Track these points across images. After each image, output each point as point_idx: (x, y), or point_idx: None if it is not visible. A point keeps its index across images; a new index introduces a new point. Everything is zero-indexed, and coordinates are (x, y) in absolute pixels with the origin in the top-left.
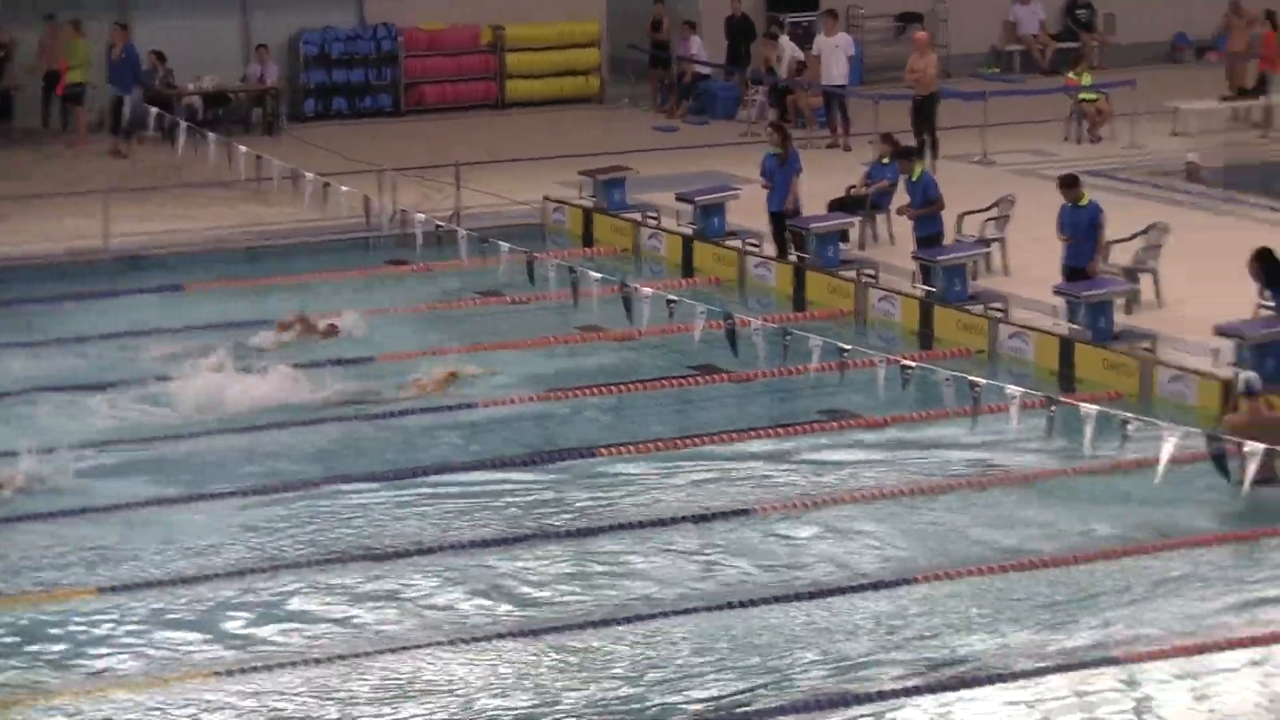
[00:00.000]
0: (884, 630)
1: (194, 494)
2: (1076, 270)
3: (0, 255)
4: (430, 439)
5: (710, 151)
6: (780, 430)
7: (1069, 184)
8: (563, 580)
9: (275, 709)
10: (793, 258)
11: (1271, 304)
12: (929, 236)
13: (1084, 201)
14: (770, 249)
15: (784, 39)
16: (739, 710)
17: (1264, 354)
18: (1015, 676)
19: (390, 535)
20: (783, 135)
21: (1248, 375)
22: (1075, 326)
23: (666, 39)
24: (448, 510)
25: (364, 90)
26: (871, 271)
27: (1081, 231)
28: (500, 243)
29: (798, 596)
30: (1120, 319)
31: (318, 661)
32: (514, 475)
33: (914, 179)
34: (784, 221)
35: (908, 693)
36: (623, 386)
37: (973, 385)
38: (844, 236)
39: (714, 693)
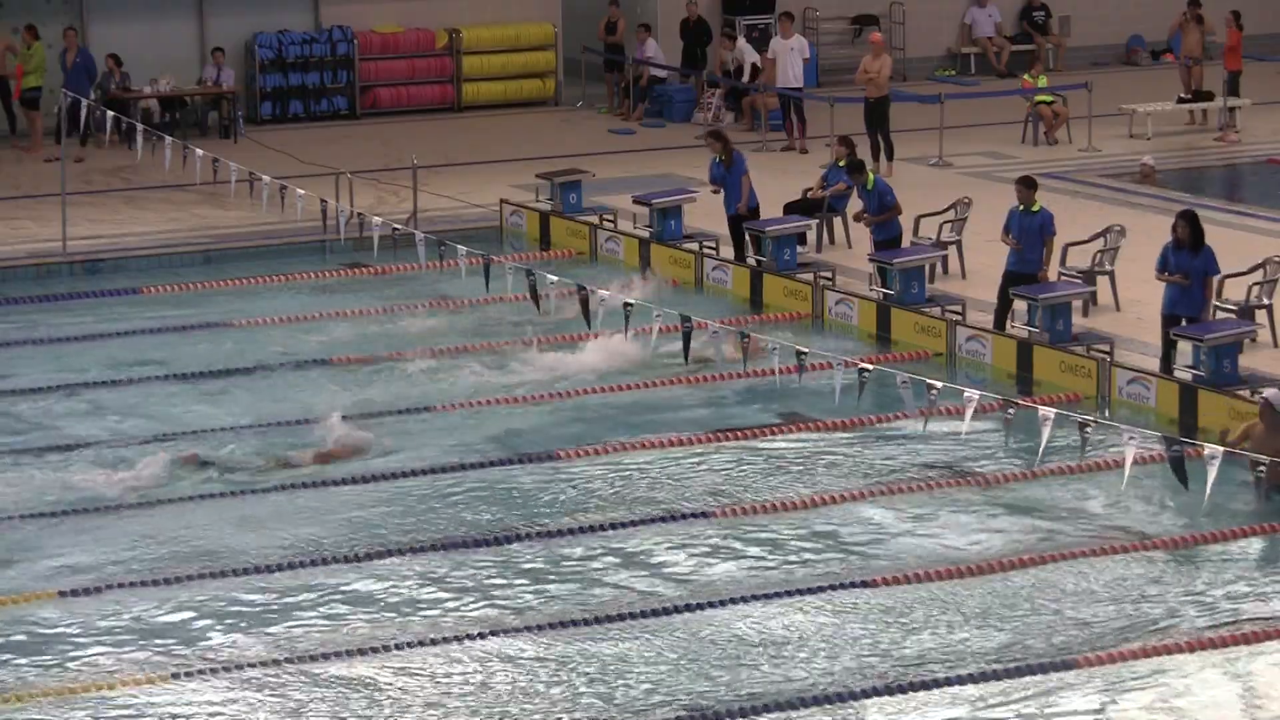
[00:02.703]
0: (845, 633)
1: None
2: (1022, 276)
3: None
4: None
5: (667, 154)
6: (736, 433)
7: (1028, 185)
8: (523, 583)
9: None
10: (750, 260)
11: (1180, 274)
12: (888, 240)
13: (1036, 207)
14: (728, 252)
15: (741, 41)
16: (698, 713)
17: (1220, 356)
18: (973, 679)
19: (362, 534)
20: (723, 142)
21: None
22: (1033, 329)
23: (621, 42)
24: (409, 511)
25: (320, 93)
26: (828, 274)
27: (1030, 238)
28: (458, 246)
29: (753, 598)
30: (1077, 321)
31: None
32: (474, 475)
33: (868, 188)
34: (742, 224)
35: (865, 695)
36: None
37: (930, 387)
38: (801, 239)
39: (676, 695)
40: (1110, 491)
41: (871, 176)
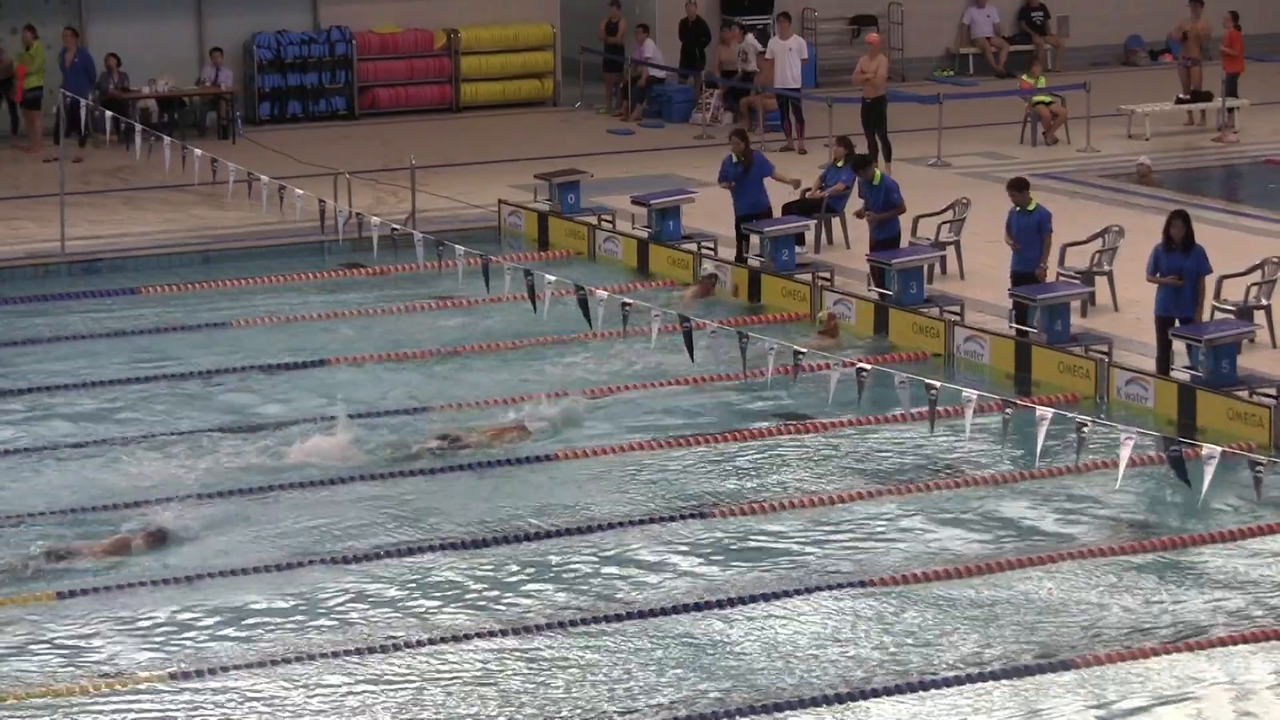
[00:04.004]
0: (839, 633)
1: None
2: (1024, 275)
3: None
4: None
5: (665, 154)
6: (734, 434)
7: (1018, 187)
8: (520, 583)
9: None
10: (754, 261)
11: (1171, 275)
12: (887, 239)
13: (1031, 206)
14: (726, 252)
15: (750, 37)
16: (696, 714)
17: (1219, 357)
18: (971, 680)
19: (350, 537)
20: (745, 143)
21: None
22: (1032, 329)
23: (621, 42)
24: (404, 513)
25: (318, 93)
26: (826, 275)
27: (1028, 237)
28: (456, 246)
29: (752, 599)
30: (1076, 322)
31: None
32: (470, 476)
33: (874, 183)
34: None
35: (865, 695)
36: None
37: (928, 388)
38: (799, 240)
39: (673, 695)
40: (1108, 492)
41: (878, 172)
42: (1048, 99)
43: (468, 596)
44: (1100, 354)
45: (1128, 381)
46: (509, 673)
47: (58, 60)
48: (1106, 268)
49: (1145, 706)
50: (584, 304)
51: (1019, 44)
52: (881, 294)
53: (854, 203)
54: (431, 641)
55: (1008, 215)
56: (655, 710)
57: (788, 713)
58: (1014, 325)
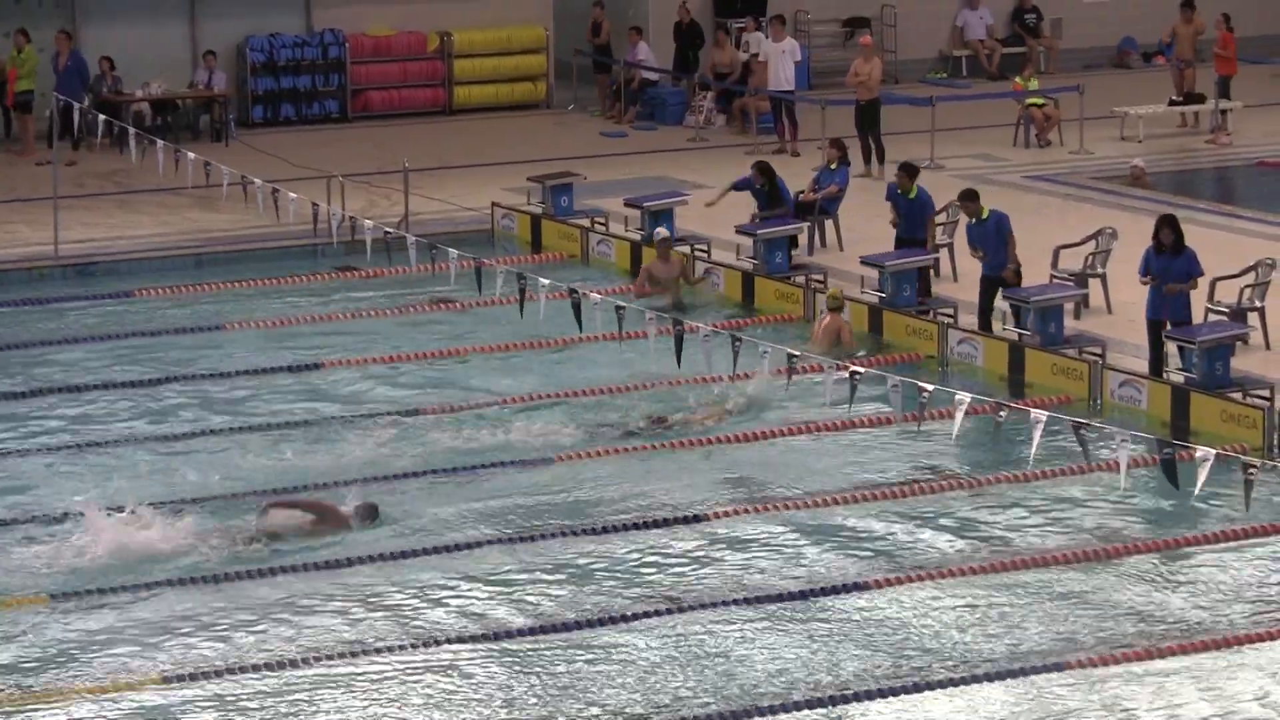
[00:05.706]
0: (843, 634)
1: None
2: (993, 280)
3: None
4: None
5: (659, 157)
6: (730, 437)
7: (970, 198)
8: (522, 585)
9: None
10: (746, 265)
11: (1158, 278)
12: (921, 239)
13: (985, 215)
14: (720, 254)
15: (759, 35)
16: (694, 715)
17: (1213, 358)
18: (965, 682)
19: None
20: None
21: None
22: (1024, 331)
23: (606, 43)
24: (409, 513)
25: (311, 96)
26: (820, 277)
27: (991, 243)
28: (449, 249)
29: (750, 600)
30: (1069, 324)
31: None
32: (469, 478)
33: (911, 196)
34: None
35: (860, 697)
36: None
37: (921, 390)
38: (793, 242)
39: (676, 696)
40: (1105, 494)
41: (916, 186)
42: (1041, 101)
43: (466, 598)
44: (1094, 356)
45: (1121, 384)
46: (504, 674)
47: (50, 63)
48: (1100, 270)
49: (1140, 709)
50: (576, 308)
51: (1012, 46)
52: (877, 296)
53: (851, 206)
54: (435, 643)
55: (966, 229)
56: (655, 711)
57: (789, 713)
58: (1007, 328)
